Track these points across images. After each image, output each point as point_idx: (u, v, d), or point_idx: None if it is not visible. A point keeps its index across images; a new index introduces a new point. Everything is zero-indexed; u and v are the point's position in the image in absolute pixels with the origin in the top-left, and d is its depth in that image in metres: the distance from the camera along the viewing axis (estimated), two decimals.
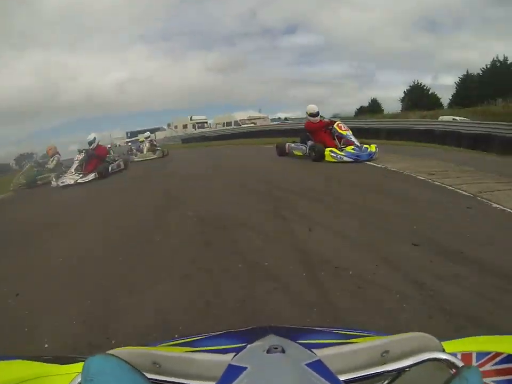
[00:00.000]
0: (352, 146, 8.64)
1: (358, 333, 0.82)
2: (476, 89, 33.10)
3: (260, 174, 8.44)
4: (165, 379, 0.49)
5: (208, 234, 4.27)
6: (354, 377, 0.49)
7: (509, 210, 4.47)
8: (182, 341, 0.78)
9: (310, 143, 9.66)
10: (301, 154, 9.98)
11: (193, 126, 33.59)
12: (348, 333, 0.81)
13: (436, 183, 6.19)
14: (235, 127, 28.96)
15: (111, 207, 7.01)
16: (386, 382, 0.53)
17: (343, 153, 8.45)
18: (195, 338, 0.77)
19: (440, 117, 23.71)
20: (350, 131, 9.12)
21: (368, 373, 0.49)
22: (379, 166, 8.23)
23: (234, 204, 5.75)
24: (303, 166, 9.31)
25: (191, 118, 34.66)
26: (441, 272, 2.81)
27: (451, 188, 5.79)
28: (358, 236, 3.81)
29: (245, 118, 30.58)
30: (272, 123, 30.86)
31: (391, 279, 2.75)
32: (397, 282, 2.71)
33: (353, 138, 8.86)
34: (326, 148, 8.83)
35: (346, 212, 4.79)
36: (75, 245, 4.62)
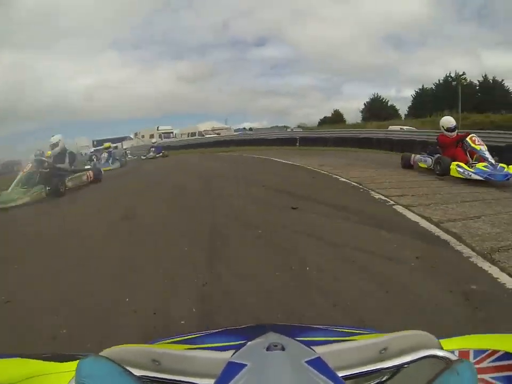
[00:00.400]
0: (485, 163, 7.44)
1: (357, 331, 0.84)
2: (430, 102, 35.98)
3: (205, 169, 11.45)
4: (164, 377, 0.50)
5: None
6: (353, 374, 0.51)
7: (339, 177, 7.34)
8: (181, 338, 0.80)
9: (437, 155, 8.82)
10: (426, 166, 8.98)
11: (160, 136, 34.93)
12: (347, 330, 0.84)
13: (316, 170, 8.74)
14: (199, 137, 30.64)
15: None
16: (384, 378, 0.56)
17: (472, 170, 7.31)
18: (194, 336, 0.79)
19: (390, 126, 26.00)
20: (485, 146, 8.00)
21: (367, 370, 0.51)
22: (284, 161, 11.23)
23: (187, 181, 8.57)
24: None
25: (157, 128, 36.08)
26: (269, 195, 5.96)
27: (321, 170, 8.55)
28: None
29: (209, 129, 32.31)
30: (234, 133, 32.63)
31: (240, 196, 5.96)
32: (242, 196, 5.91)
33: (487, 155, 7.75)
34: (453, 161, 7.89)
35: (246, 182, 7.58)
36: None
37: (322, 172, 8.20)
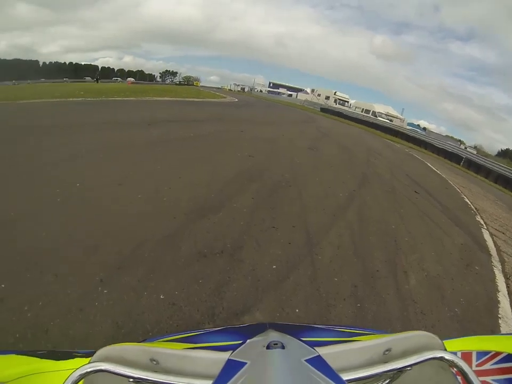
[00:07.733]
0: None
1: (360, 331, 0.87)
2: None
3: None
4: (162, 376, 0.51)
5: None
6: (358, 377, 0.52)
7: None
8: (180, 336, 0.81)
9: None
10: None
11: (335, 101, 37.80)
12: (350, 331, 0.87)
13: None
14: (371, 116, 32.33)
15: None
16: (388, 379, 0.58)
17: None
18: (194, 334, 0.81)
19: None
20: None
21: (371, 373, 0.52)
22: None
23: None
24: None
25: (335, 92, 38.86)
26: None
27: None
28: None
29: (383, 112, 33.43)
30: (407, 127, 32.99)
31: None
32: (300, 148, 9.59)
33: None
34: None
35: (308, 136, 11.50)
36: None
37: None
